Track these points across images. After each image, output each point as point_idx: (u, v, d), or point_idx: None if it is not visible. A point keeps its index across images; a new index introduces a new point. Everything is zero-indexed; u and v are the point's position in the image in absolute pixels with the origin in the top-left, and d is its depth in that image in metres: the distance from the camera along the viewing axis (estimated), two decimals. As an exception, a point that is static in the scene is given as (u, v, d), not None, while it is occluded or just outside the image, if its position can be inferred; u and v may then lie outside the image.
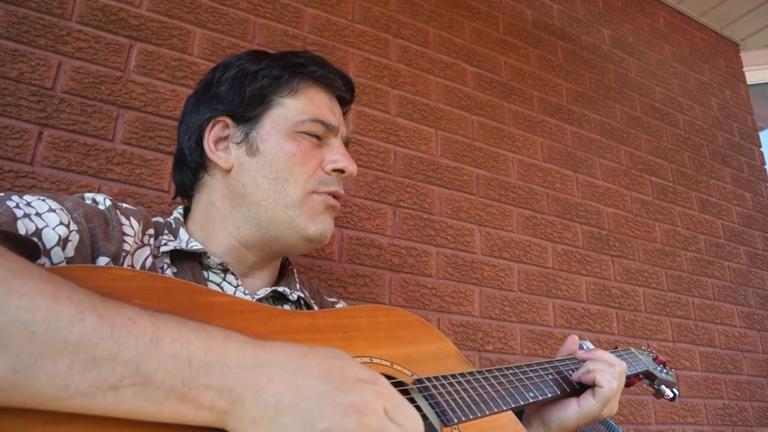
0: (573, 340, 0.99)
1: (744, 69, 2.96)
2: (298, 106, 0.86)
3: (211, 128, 0.86)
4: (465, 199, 1.71)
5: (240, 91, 0.86)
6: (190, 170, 0.89)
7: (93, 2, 1.28)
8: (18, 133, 1.12)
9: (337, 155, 0.87)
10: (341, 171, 0.87)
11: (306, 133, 0.85)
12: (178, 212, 0.89)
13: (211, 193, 0.86)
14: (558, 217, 1.90)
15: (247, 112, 0.85)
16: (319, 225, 0.84)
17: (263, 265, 0.88)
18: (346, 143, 0.93)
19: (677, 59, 2.67)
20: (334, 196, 0.86)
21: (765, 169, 2.71)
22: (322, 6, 1.64)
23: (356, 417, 0.49)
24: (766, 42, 2.97)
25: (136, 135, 1.25)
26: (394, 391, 0.54)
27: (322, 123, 0.86)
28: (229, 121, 0.86)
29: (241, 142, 0.85)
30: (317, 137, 0.86)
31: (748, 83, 2.93)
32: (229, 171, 0.84)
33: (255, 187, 0.82)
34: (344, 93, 0.94)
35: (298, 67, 0.88)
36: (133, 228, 0.75)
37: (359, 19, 1.70)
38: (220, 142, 0.86)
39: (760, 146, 2.75)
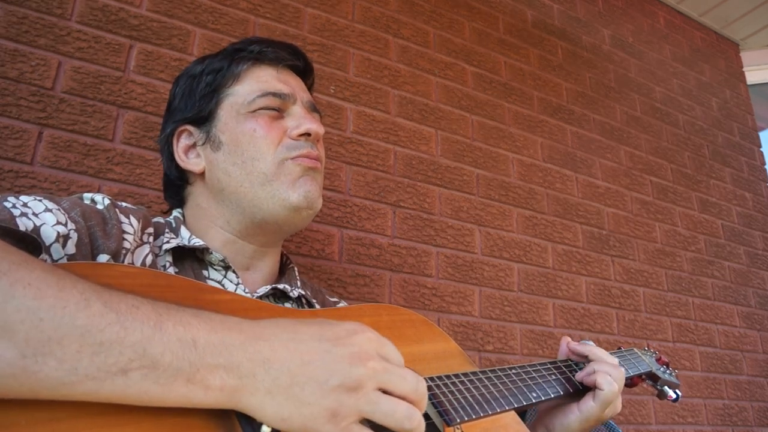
0: (564, 341, 0.99)
1: (744, 69, 2.96)
2: (245, 89, 0.86)
3: (177, 140, 0.88)
4: (465, 199, 1.71)
5: (191, 96, 0.88)
6: (175, 187, 0.91)
7: (93, 2, 1.27)
8: (18, 133, 1.12)
9: (298, 120, 0.86)
10: (307, 134, 0.85)
11: (261, 109, 0.85)
12: (177, 212, 0.90)
13: (196, 198, 0.88)
14: (558, 217, 1.90)
15: (201, 113, 0.86)
16: (301, 189, 0.82)
17: (264, 254, 0.88)
18: (313, 109, 0.92)
19: (677, 59, 2.67)
20: (309, 157, 0.85)
21: (765, 169, 2.71)
22: (322, 6, 1.64)
23: (362, 364, 0.52)
24: (766, 42, 2.97)
25: (136, 135, 1.25)
26: (376, 333, 0.57)
27: (273, 94, 0.85)
28: (190, 127, 0.88)
29: (205, 142, 0.86)
30: (276, 110, 0.86)
31: (748, 83, 2.93)
32: (203, 173, 0.86)
33: (228, 178, 0.83)
34: (294, 61, 0.93)
35: (235, 54, 0.89)
36: (132, 226, 0.75)
37: (359, 19, 1.70)
38: (190, 151, 0.88)
39: (760, 146, 2.75)
